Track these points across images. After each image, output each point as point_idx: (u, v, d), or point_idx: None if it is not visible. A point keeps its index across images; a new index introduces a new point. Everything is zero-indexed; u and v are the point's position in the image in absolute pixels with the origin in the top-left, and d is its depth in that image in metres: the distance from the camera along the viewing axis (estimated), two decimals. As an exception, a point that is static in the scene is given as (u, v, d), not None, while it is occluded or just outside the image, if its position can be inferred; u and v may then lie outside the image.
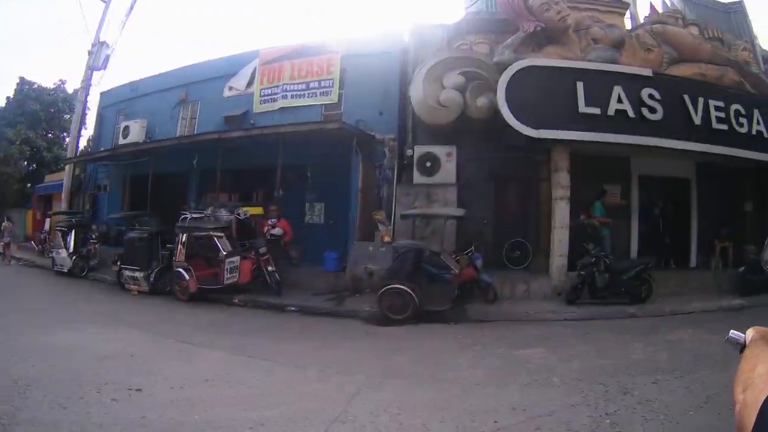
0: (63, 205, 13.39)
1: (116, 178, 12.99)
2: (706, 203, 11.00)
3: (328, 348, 6.68)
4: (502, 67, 9.47)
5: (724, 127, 10.07)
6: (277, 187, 9.81)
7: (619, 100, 9.32)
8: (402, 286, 7.84)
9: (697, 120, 9.75)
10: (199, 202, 10.66)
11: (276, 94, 11.14)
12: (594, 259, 8.83)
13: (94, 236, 11.39)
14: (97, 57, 12.56)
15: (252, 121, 10.97)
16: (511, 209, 10.14)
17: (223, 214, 9.40)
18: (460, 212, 8.79)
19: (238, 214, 9.33)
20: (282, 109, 11.03)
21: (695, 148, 9.73)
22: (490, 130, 9.57)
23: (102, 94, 14.16)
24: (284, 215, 9.78)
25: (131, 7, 13.15)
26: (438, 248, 8.52)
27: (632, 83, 9.54)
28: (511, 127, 9.12)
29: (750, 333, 1.15)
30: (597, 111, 9.19)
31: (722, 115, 10.08)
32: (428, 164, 9.67)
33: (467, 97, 9.63)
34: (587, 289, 8.88)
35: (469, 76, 9.68)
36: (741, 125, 10.29)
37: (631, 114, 9.31)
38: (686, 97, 9.78)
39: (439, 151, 9.76)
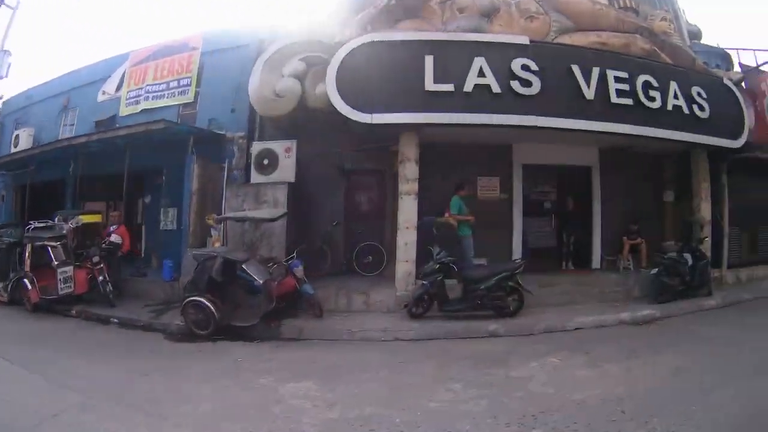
0: (-31, 216, 12.19)
1: (11, 187, 11.48)
2: (615, 194, 7.87)
3: (99, 363, 5.01)
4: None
5: (628, 101, 6.94)
6: (124, 192, 7.80)
7: (481, 74, 6.41)
8: (201, 299, 5.88)
9: (589, 94, 6.70)
10: (76, 210, 9.01)
11: (140, 96, 9.05)
12: (438, 265, 6.17)
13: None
14: (1, 65, 11.23)
15: (117, 125, 9.08)
16: (365, 209, 7.56)
17: (62, 223, 7.66)
18: (274, 214, 6.42)
19: (71, 223, 7.55)
20: (144, 110, 8.95)
21: (585, 127, 6.68)
22: (338, 120, 7.13)
23: (4, 103, 12.76)
24: (128, 221, 7.85)
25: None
26: (242, 256, 6.26)
27: (500, 54, 6.60)
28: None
29: None
30: (449, 88, 6.35)
31: (625, 87, 6.95)
32: (266, 162, 7.15)
33: (306, 84, 7.04)
34: (437, 301, 6.29)
35: (311, 61, 7.08)
36: (652, 99, 7.12)
37: (495, 89, 6.39)
38: (575, 67, 6.73)
39: (277, 146, 7.23)
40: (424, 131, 6.80)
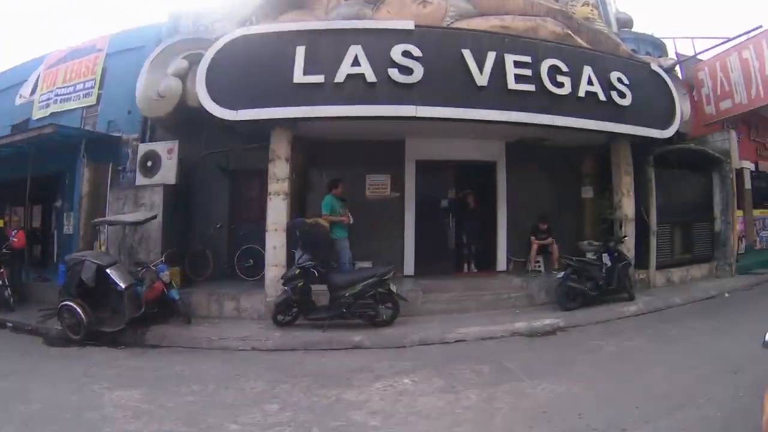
0: None
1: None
2: (525, 191, 6.97)
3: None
4: (219, 42, 6.37)
5: (529, 87, 6.08)
6: (26, 197, 7.39)
7: (356, 63, 5.66)
8: (71, 303, 5.53)
9: (481, 80, 5.86)
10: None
11: (50, 99, 8.63)
12: (299, 270, 5.45)
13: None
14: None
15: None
16: (249, 210, 6.83)
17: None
18: (140, 217, 5.94)
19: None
20: (53, 114, 8.48)
21: (474, 116, 5.84)
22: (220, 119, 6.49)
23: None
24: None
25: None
26: (107, 260, 5.76)
27: (380, 41, 5.83)
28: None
29: None
30: (319, 79, 5.62)
31: (527, 72, 6.09)
32: (149, 164, 6.63)
33: (188, 83, 6.45)
34: (301, 308, 5.58)
35: (193, 59, 6.43)
36: (560, 85, 6.22)
37: (370, 78, 5.62)
38: (467, 52, 5.91)
39: (160, 148, 6.71)
40: (301, 127, 6.11)
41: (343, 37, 5.90)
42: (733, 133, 7.76)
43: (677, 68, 7.96)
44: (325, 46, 5.87)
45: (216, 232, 6.68)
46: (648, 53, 8.23)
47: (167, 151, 6.66)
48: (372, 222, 6.33)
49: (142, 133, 7.38)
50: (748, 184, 8.24)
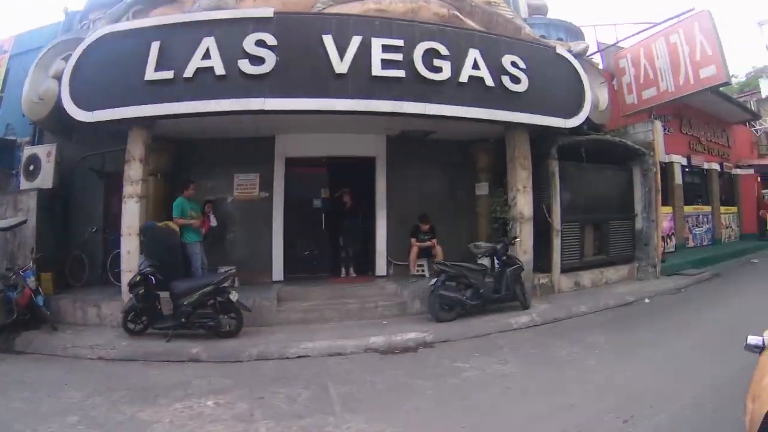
0: None
1: None
2: (410, 189, 6.43)
3: None
4: (89, 42, 6.18)
5: (398, 73, 5.58)
6: None
7: (206, 56, 5.34)
8: None
9: (341, 67, 5.42)
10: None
11: (-41, 102, 9.05)
12: (139, 276, 5.21)
13: None
14: None
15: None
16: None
17: None
18: (9, 223, 5.84)
19: None
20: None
21: (327, 107, 5.40)
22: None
23: None
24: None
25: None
26: None
27: (235, 31, 5.48)
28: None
29: None
30: (169, 75, 5.33)
31: (397, 57, 5.62)
32: (32, 167, 6.53)
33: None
34: (148, 317, 5.31)
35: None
36: (437, 70, 5.71)
37: (219, 71, 5.30)
38: (327, 38, 5.48)
39: (41, 151, 6.60)
40: (160, 126, 5.87)
41: (197, 30, 5.57)
42: (658, 124, 6.91)
43: (599, 57, 7.14)
44: (179, 41, 5.57)
45: (91, 237, 6.55)
46: (560, 39, 7.47)
47: (47, 155, 6.57)
48: (240, 224, 6.01)
49: (32, 136, 7.34)
50: (678, 179, 7.33)
